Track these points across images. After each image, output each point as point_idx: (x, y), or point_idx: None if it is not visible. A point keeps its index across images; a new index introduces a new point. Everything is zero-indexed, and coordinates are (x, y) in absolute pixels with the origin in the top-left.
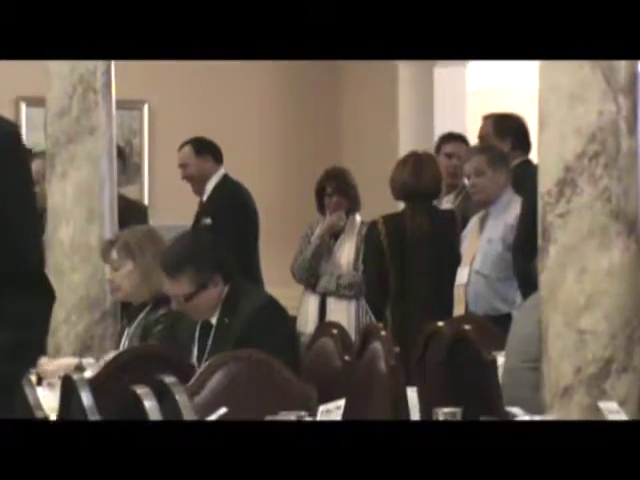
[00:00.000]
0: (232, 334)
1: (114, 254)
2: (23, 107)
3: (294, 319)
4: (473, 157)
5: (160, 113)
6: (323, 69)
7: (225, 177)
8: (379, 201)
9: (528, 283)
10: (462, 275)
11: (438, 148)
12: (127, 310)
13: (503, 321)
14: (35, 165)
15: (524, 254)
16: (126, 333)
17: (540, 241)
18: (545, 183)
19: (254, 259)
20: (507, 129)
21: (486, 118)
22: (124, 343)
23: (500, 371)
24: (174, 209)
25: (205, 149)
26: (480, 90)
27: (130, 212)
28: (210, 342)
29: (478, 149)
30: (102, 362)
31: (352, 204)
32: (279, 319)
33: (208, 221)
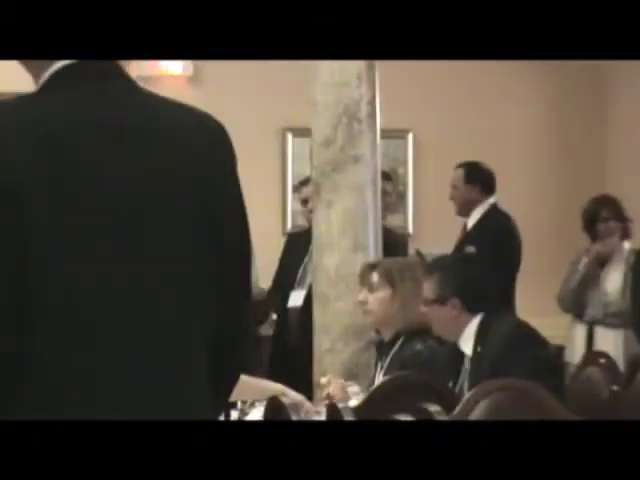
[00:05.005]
0: (485, 363)
1: (374, 277)
2: (289, 137)
3: (561, 349)
4: None
5: (425, 142)
6: (590, 95)
7: (493, 207)
8: None
9: None
10: None
11: None
12: (379, 345)
13: None
14: (305, 191)
15: None
16: (379, 367)
17: None
18: None
19: (512, 291)
20: None
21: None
22: (377, 377)
23: None
24: (437, 238)
25: (475, 177)
26: None
27: (391, 243)
28: (466, 372)
29: None
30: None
31: (625, 231)
32: (529, 343)
33: (472, 249)
